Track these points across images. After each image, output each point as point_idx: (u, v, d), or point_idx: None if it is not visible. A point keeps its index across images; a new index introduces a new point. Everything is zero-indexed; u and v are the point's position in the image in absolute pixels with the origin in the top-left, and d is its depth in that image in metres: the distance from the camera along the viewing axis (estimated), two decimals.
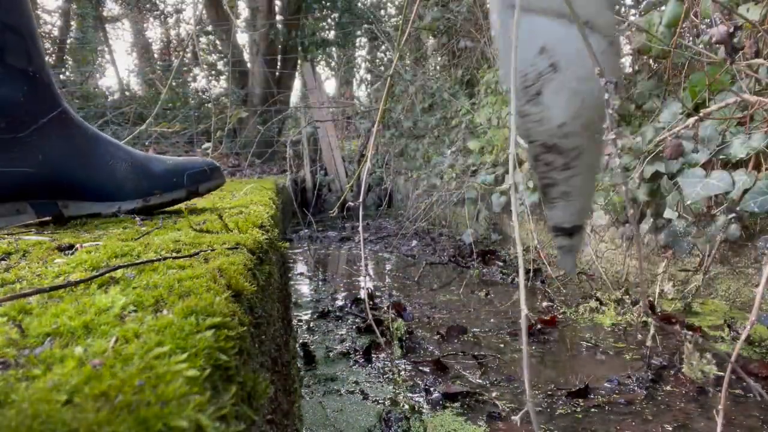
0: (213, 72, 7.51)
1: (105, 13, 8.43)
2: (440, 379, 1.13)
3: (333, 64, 8.42)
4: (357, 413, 0.99)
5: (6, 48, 0.77)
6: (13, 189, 0.80)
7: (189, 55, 7.13)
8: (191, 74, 7.04)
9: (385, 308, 1.63)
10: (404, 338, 1.34)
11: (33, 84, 0.81)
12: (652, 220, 1.62)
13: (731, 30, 1.14)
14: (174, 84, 6.00)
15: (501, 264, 2.25)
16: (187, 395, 0.25)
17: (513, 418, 0.67)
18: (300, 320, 1.57)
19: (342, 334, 1.45)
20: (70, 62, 7.32)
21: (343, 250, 2.84)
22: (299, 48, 6.11)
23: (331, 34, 6.86)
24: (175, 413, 0.23)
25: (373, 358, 1.28)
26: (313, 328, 1.51)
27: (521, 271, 0.79)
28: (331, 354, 1.30)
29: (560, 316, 1.52)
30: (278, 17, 6.21)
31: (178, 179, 0.93)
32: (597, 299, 1.58)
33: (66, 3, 7.09)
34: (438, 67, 4.04)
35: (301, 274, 2.31)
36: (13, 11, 0.79)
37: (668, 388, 1.05)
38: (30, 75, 0.81)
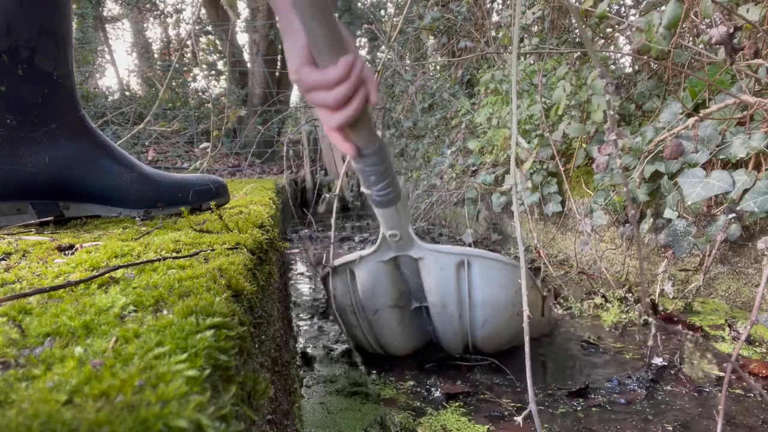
0: (213, 72, 7.51)
1: (105, 13, 8.42)
2: (442, 379, 1.13)
3: None
4: (358, 413, 0.99)
5: (37, 50, 0.78)
6: (16, 188, 0.81)
7: (189, 55, 7.12)
8: (191, 74, 7.03)
9: None
10: None
11: (54, 88, 0.82)
12: (652, 220, 1.62)
13: (731, 30, 1.14)
14: (174, 84, 6.00)
15: None
16: (187, 395, 0.25)
17: (516, 418, 0.67)
18: (300, 320, 1.57)
19: (342, 334, 1.45)
20: None
21: (343, 249, 2.84)
22: None
23: None
24: (175, 413, 0.23)
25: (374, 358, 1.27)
26: (314, 328, 1.51)
27: (523, 273, 0.79)
28: (331, 354, 1.30)
29: (560, 316, 1.52)
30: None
31: (183, 195, 0.93)
32: (602, 296, 1.59)
33: None
34: (438, 67, 4.04)
35: (301, 274, 2.31)
36: (52, 14, 0.80)
37: (668, 388, 1.05)
38: (53, 79, 0.81)
